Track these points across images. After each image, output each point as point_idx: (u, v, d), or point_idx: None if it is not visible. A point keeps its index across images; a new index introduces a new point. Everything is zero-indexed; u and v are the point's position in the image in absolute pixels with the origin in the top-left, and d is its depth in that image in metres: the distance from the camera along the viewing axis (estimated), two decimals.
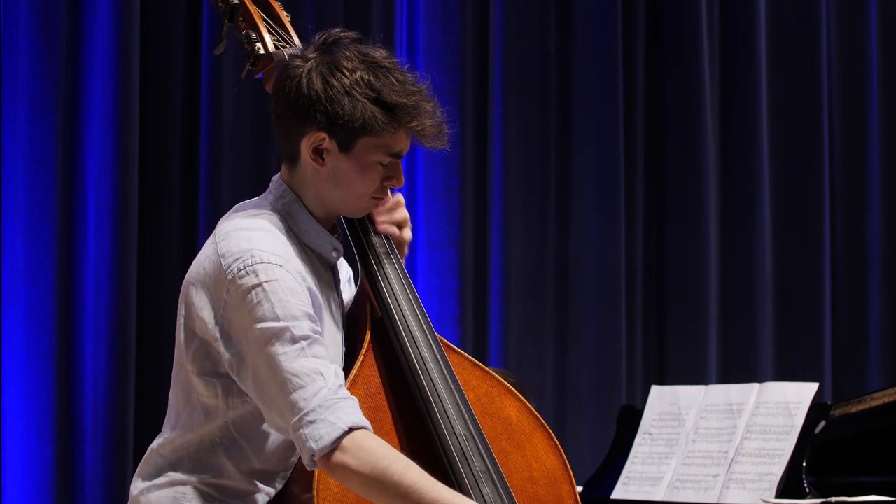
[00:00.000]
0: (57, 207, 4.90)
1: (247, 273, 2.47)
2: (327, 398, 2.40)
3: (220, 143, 5.19)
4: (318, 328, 2.49)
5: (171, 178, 5.18)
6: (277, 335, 2.43)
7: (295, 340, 2.43)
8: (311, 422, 2.39)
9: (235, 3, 2.78)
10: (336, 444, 2.38)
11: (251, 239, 2.51)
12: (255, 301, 2.45)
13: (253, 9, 2.77)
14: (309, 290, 2.53)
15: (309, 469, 2.43)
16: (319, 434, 2.38)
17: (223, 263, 2.49)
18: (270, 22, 2.78)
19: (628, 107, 5.90)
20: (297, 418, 2.40)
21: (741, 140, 6.01)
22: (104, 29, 5.00)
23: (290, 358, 2.42)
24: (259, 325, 2.44)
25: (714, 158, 5.97)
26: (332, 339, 2.61)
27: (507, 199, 5.69)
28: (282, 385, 2.41)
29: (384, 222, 2.68)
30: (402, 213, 2.70)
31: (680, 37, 5.95)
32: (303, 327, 2.45)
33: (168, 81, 5.19)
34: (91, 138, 4.97)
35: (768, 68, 6.05)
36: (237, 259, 2.48)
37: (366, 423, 2.41)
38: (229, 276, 2.48)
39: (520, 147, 5.74)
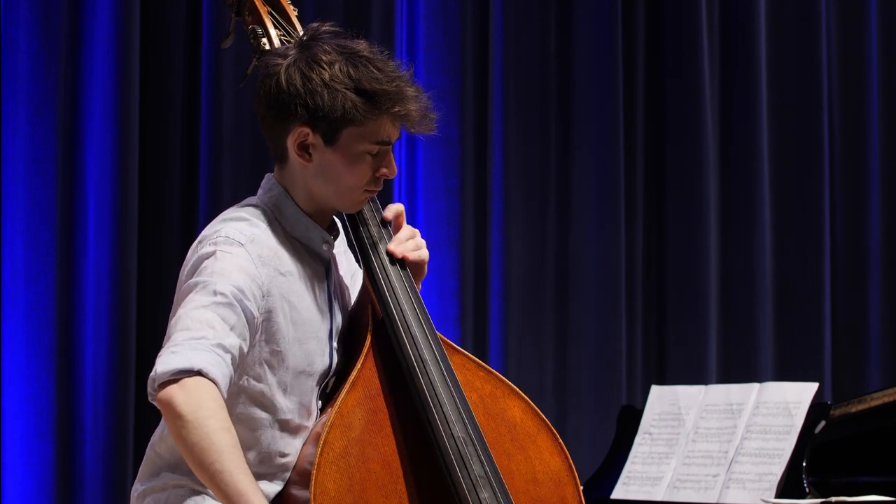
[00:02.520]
0: (57, 207, 4.90)
1: (208, 245, 2.52)
2: (201, 343, 2.39)
3: (220, 143, 5.19)
4: (250, 307, 2.47)
5: (171, 178, 5.18)
6: (202, 286, 2.45)
7: (213, 293, 2.44)
8: (173, 352, 2.39)
9: None
10: (177, 376, 2.36)
11: (226, 224, 2.56)
12: (203, 266, 2.49)
13: (259, 3, 2.77)
14: (277, 273, 2.54)
15: (149, 399, 2.40)
16: (169, 361, 2.38)
17: (198, 247, 2.55)
18: (277, 17, 2.78)
19: (628, 107, 5.89)
20: (164, 348, 2.40)
21: (741, 140, 6.01)
22: (104, 29, 5.00)
23: (196, 305, 2.43)
24: (192, 279, 2.47)
25: (714, 158, 5.97)
26: (315, 332, 2.61)
27: (507, 199, 5.69)
28: (175, 323, 2.43)
29: (409, 250, 2.67)
30: (416, 241, 2.71)
31: (680, 37, 5.95)
32: (226, 290, 2.45)
33: (168, 81, 5.19)
34: (91, 138, 4.97)
35: (768, 68, 6.05)
36: (209, 239, 2.53)
37: (220, 381, 2.38)
38: (196, 252, 2.53)
39: (520, 147, 5.74)
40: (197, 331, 2.41)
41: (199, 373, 2.37)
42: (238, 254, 2.50)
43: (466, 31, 5.68)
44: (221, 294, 2.44)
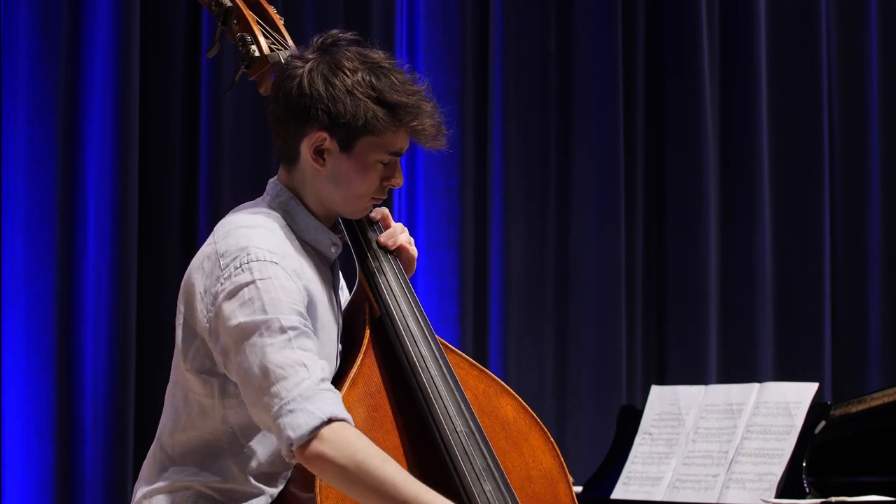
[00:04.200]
0: (57, 207, 4.90)
1: (242, 270, 2.48)
2: (309, 388, 2.40)
3: (220, 143, 5.19)
4: (309, 324, 2.49)
5: (171, 178, 5.18)
6: (265, 326, 2.44)
7: (283, 331, 2.44)
8: (291, 411, 2.39)
9: (229, 7, 2.78)
10: (314, 433, 2.38)
11: (249, 237, 2.52)
12: (247, 297, 2.46)
13: (247, 12, 2.78)
14: (306, 287, 2.54)
15: (287, 460, 2.43)
16: (298, 423, 2.38)
17: (221, 262, 2.50)
18: (265, 25, 2.79)
19: (628, 107, 5.90)
20: (277, 408, 2.39)
21: (741, 140, 6.01)
22: (104, 29, 5.00)
23: (275, 349, 2.43)
24: (247, 319, 2.45)
25: (714, 158, 5.97)
26: (330, 335, 2.62)
27: (507, 199, 5.69)
28: (265, 376, 2.41)
29: (397, 234, 2.70)
30: (407, 235, 2.74)
31: (680, 37, 5.95)
32: (291, 319, 2.45)
33: (168, 81, 5.19)
34: (91, 138, 4.97)
35: (768, 68, 6.05)
36: (234, 258, 2.49)
37: (346, 416, 2.41)
38: (225, 274, 2.49)
39: (520, 147, 5.74)
40: (294, 376, 2.41)
41: (330, 419, 2.39)
42: (277, 274, 2.48)
43: (466, 31, 5.68)
44: (291, 329, 2.44)
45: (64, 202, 4.92)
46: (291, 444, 2.39)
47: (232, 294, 2.47)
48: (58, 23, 4.94)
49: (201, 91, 5.19)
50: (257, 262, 2.48)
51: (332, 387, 2.44)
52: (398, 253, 2.71)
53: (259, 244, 2.51)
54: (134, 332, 4.99)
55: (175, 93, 5.20)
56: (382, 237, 2.69)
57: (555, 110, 5.82)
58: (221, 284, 2.49)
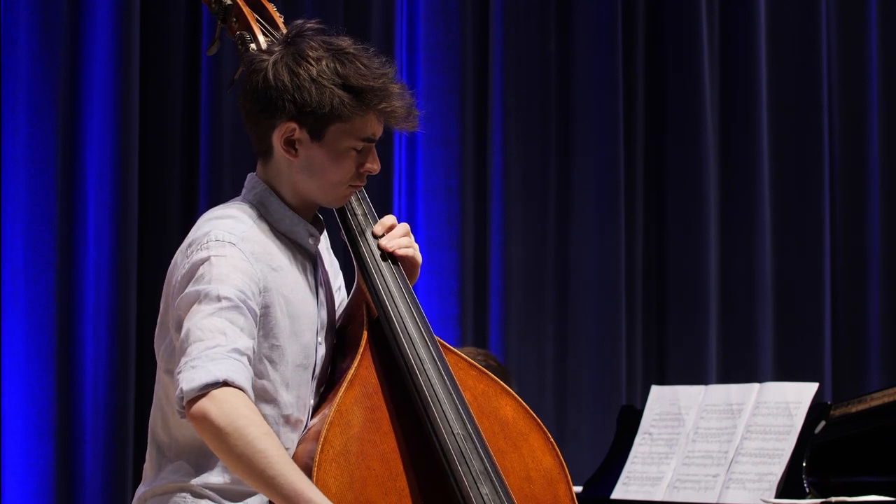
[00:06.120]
0: (57, 207, 4.91)
1: (200, 249, 2.51)
2: (217, 353, 2.40)
3: (220, 143, 5.19)
4: (251, 304, 2.49)
5: (171, 178, 5.18)
6: (204, 294, 2.45)
7: (216, 299, 2.45)
8: (193, 367, 2.39)
9: (229, 4, 2.78)
10: (205, 390, 2.37)
11: (215, 224, 2.56)
12: (200, 273, 2.48)
13: (246, 10, 2.78)
14: (277, 273, 2.54)
15: (180, 417, 2.42)
16: (193, 377, 2.38)
17: (188, 252, 2.53)
18: (264, 23, 2.79)
19: (628, 107, 5.90)
20: (182, 364, 2.40)
21: (741, 140, 6.01)
22: (104, 29, 5.00)
23: (204, 314, 2.44)
24: (192, 288, 2.47)
25: (714, 158, 5.97)
26: (309, 325, 2.61)
27: (507, 199, 5.69)
28: (186, 336, 2.43)
29: (402, 247, 2.68)
30: (411, 240, 2.71)
31: (680, 37, 5.95)
32: (229, 293, 2.46)
33: (168, 81, 5.19)
34: (91, 138, 4.97)
35: (768, 68, 6.05)
36: (199, 243, 2.52)
37: (245, 386, 2.41)
38: (190, 260, 2.52)
39: (520, 147, 5.74)
40: (210, 340, 2.41)
41: (225, 383, 2.38)
42: (232, 254, 2.50)
43: (466, 31, 5.68)
44: (226, 298, 2.45)
45: (64, 202, 4.92)
46: (182, 398, 2.38)
47: (190, 273, 2.50)
48: (58, 23, 4.94)
49: (201, 91, 5.20)
50: (215, 242, 2.50)
51: (243, 360, 2.43)
52: (400, 260, 2.69)
53: (221, 227, 2.54)
54: (134, 332, 4.99)
55: (175, 92, 5.20)
56: (383, 241, 2.68)
57: (555, 110, 5.82)
58: (183, 268, 2.52)
